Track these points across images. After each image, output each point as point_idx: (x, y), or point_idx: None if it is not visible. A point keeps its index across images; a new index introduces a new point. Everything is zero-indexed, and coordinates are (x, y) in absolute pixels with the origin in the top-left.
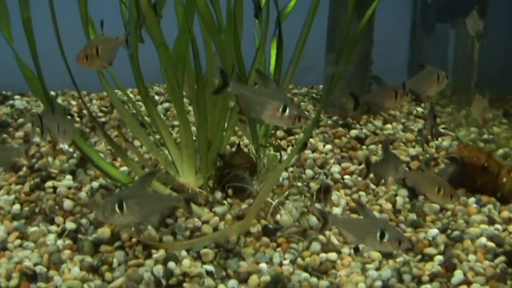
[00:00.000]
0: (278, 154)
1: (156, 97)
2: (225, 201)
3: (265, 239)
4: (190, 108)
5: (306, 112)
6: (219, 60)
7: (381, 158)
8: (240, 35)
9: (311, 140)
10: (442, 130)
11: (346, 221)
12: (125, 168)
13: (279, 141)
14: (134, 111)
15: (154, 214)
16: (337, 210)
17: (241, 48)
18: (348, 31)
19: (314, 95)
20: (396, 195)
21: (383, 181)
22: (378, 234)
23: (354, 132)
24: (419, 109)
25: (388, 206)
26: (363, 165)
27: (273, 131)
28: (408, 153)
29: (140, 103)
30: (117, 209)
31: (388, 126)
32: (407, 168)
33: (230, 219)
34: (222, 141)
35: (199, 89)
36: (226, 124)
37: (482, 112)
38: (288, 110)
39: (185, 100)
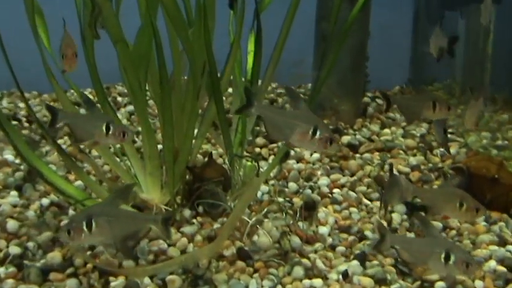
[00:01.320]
0: (256, 165)
1: (119, 98)
2: (194, 220)
3: (240, 264)
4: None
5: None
6: (187, 59)
7: (387, 183)
8: (211, 29)
9: (295, 148)
10: (449, 135)
11: (405, 240)
12: (79, 182)
13: (259, 149)
14: None
15: (126, 235)
16: (324, 230)
17: (212, 44)
18: (336, 18)
19: (302, 96)
20: (392, 211)
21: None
22: (443, 255)
23: (346, 139)
24: None
25: (383, 224)
26: (354, 178)
27: (250, 138)
28: (408, 163)
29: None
30: (85, 227)
31: (386, 131)
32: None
33: (200, 241)
34: (191, 151)
35: (164, 92)
36: (196, 131)
37: (477, 118)
38: (318, 133)
39: (151, 102)
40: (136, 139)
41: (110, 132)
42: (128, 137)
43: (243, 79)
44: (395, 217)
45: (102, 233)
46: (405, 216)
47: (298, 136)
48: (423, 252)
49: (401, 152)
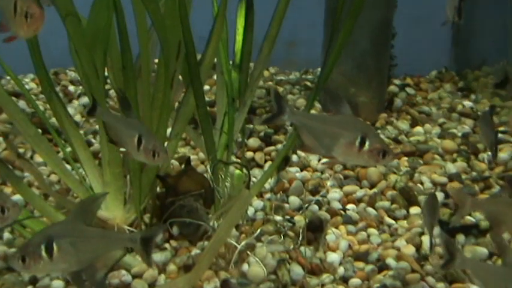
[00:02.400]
0: (247, 173)
1: (71, 88)
2: (167, 245)
3: None
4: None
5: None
6: (157, 37)
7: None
8: (188, 0)
9: (299, 151)
10: (499, 135)
11: (481, 265)
12: (18, 196)
13: (252, 153)
14: (33, 110)
15: (96, 261)
16: (333, 257)
17: (189, 19)
18: None
19: (308, 83)
20: (422, 233)
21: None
22: None
23: None
24: (468, 103)
25: (410, 250)
26: (374, 190)
27: (240, 140)
28: (445, 171)
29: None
30: (43, 252)
31: (419, 129)
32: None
33: (174, 271)
34: None
35: (127, 80)
36: (169, 130)
37: None
38: (367, 144)
39: (112, 93)
40: (93, 140)
41: (141, 147)
42: (159, 158)
43: (230, 63)
44: (426, 241)
45: (66, 259)
46: (439, 240)
47: (343, 148)
48: (502, 283)
49: (436, 156)
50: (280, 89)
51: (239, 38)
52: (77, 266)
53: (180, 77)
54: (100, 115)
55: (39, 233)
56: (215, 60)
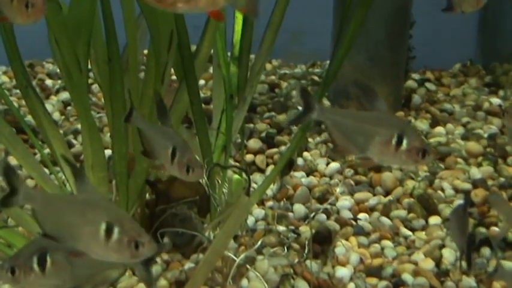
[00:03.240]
0: (246, 179)
1: (49, 82)
2: (157, 258)
3: None
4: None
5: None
6: (147, 26)
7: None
8: None
9: (305, 153)
10: None
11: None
12: None
13: (252, 156)
14: (6, 107)
15: (93, 278)
16: (343, 272)
17: None
18: None
19: (317, 78)
20: (443, 246)
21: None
22: None
23: None
24: (496, 100)
25: (429, 264)
26: (389, 198)
27: (239, 141)
28: (469, 176)
29: (19, 92)
30: (35, 266)
31: (440, 129)
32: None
33: (165, 286)
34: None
35: (113, 73)
36: None
37: None
38: (405, 142)
39: (95, 89)
40: (74, 141)
41: (175, 160)
42: (194, 174)
43: (229, 55)
44: (447, 255)
45: (60, 274)
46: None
47: (378, 147)
48: None
49: (460, 160)
50: (284, 84)
51: (238, 27)
52: (71, 283)
53: (172, 71)
54: (136, 121)
55: (32, 242)
56: (211, 52)
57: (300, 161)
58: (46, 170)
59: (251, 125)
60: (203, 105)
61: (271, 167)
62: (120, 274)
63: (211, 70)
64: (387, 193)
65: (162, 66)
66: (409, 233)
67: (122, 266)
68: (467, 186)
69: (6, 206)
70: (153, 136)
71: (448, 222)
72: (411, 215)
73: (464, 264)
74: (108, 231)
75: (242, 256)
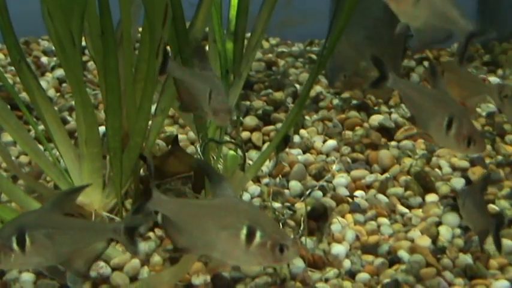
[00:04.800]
0: (241, 154)
1: (44, 59)
2: (151, 234)
3: None
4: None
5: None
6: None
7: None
8: None
9: (302, 131)
10: None
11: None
12: None
13: (248, 133)
14: (2, 83)
15: (76, 254)
16: (339, 249)
17: None
18: None
19: (313, 56)
20: (440, 223)
21: None
22: None
23: (376, 119)
24: (494, 79)
25: (425, 241)
26: (386, 175)
27: (234, 118)
28: (467, 155)
29: (13, 69)
30: (14, 245)
31: None
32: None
33: (159, 263)
34: (146, 134)
35: (107, 48)
36: (154, 106)
37: None
38: (454, 127)
39: (91, 66)
40: (69, 117)
41: (211, 103)
42: (224, 116)
43: (224, 31)
44: (444, 232)
45: (41, 252)
46: (458, 231)
47: (433, 127)
48: None
49: None
50: (281, 62)
51: (234, 1)
52: (54, 261)
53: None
54: (172, 71)
55: (10, 222)
56: (207, 28)
57: (296, 138)
58: (40, 146)
59: (247, 103)
60: None
61: (267, 144)
62: (103, 249)
63: (206, 47)
64: (384, 171)
65: (156, 41)
66: (406, 210)
67: (105, 241)
68: (465, 164)
69: (137, 213)
70: (193, 82)
71: (461, 204)
72: (408, 192)
73: (490, 245)
74: (250, 235)
75: None
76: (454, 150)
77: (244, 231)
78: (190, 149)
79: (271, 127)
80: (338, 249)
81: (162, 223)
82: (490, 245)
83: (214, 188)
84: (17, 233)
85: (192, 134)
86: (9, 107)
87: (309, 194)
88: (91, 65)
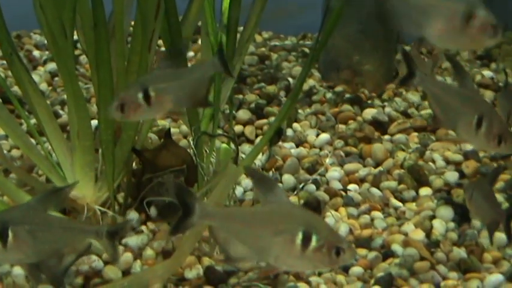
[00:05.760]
0: (234, 148)
1: (36, 53)
2: (143, 227)
3: None
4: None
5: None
6: None
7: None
8: None
9: (295, 124)
10: None
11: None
12: None
13: (242, 127)
14: None
15: (56, 252)
16: None
17: None
18: None
19: (306, 50)
20: (434, 217)
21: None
22: None
23: (370, 112)
24: (488, 73)
25: (419, 235)
26: (380, 169)
27: (227, 111)
28: (461, 148)
29: (5, 63)
30: None
31: None
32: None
33: (151, 257)
34: (138, 127)
35: (99, 40)
36: None
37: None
38: (484, 126)
39: (83, 59)
40: (61, 111)
41: (481, 130)
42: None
43: (217, 25)
44: (438, 225)
45: (22, 249)
46: (452, 225)
47: (462, 126)
48: None
49: (451, 132)
50: (274, 56)
51: None
52: (35, 258)
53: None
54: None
55: None
56: (199, 23)
57: (289, 132)
58: (32, 140)
59: (240, 96)
60: None
61: (260, 138)
62: (84, 250)
63: (199, 42)
64: (377, 164)
65: (149, 34)
66: (399, 204)
67: (86, 241)
68: (459, 157)
69: (179, 231)
70: (450, 100)
71: (468, 197)
72: (401, 186)
73: (484, 239)
74: (306, 240)
75: None
76: (483, 149)
77: (300, 236)
78: (183, 143)
79: (264, 121)
80: None
81: (209, 233)
82: (484, 238)
83: (266, 194)
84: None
85: (184, 128)
86: (0, 100)
87: (302, 187)
88: (83, 58)
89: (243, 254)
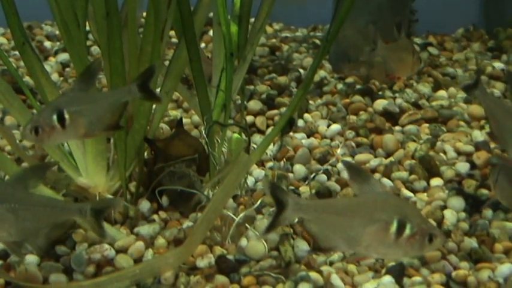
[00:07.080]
0: (246, 137)
1: (47, 44)
2: (155, 216)
3: (221, 279)
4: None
5: None
6: None
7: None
8: None
9: (306, 115)
10: None
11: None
12: None
13: (253, 118)
14: (5, 67)
15: (39, 231)
16: None
17: None
18: None
19: (317, 41)
20: (445, 207)
21: None
22: None
23: (380, 104)
24: (499, 64)
25: None
26: (391, 160)
27: (239, 102)
28: (472, 139)
29: (17, 53)
30: None
31: (442, 93)
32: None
33: (163, 245)
34: (151, 116)
35: (112, 30)
36: (158, 89)
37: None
38: None
39: (95, 50)
40: None
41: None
42: None
43: (228, 16)
44: (449, 216)
45: (3, 227)
46: (463, 215)
47: None
48: None
49: (462, 123)
50: (285, 47)
51: None
52: (16, 236)
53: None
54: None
55: None
56: (211, 14)
57: (300, 122)
58: None
59: (251, 87)
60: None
61: (271, 129)
62: (68, 228)
63: (211, 33)
64: (388, 155)
65: (161, 23)
66: (411, 194)
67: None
68: (470, 148)
69: (275, 226)
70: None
71: (493, 180)
72: (413, 176)
73: (495, 229)
74: (400, 228)
75: (241, 215)
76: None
77: (395, 224)
78: (194, 133)
79: (275, 111)
80: None
81: (302, 225)
82: (495, 228)
83: (361, 185)
84: None
85: (196, 118)
86: (13, 90)
87: (314, 177)
88: (94, 49)
89: (331, 244)
